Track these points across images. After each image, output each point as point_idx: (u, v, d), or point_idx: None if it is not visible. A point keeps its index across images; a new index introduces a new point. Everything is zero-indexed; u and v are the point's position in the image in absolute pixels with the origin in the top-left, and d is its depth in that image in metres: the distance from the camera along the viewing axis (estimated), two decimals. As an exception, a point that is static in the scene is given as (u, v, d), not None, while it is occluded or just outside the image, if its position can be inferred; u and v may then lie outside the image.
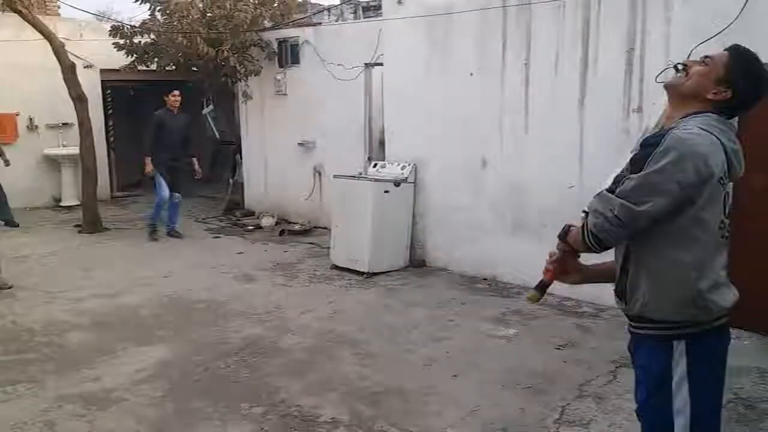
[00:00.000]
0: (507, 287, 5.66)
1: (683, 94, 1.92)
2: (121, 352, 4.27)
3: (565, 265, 2.06)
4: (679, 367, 1.81)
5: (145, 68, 9.23)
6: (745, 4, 4.17)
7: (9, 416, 3.37)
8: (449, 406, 3.49)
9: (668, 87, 1.98)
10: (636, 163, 1.78)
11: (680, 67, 1.98)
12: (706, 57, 1.93)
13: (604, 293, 4.88)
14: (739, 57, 1.90)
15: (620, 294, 1.93)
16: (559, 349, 4.28)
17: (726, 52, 1.92)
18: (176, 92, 7.93)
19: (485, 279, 5.90)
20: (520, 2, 5.42)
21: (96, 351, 4.29)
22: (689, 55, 4.37)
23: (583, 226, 1.87)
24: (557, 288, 5.54)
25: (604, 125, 5.02)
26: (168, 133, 7.77)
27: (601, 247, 1.85)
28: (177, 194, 7.93)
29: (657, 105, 4.63)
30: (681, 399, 1.81)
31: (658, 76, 4.56)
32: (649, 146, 1.77)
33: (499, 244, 5.82)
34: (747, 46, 1.93)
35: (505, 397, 3.59)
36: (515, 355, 4.20)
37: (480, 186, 5.94)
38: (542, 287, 2.11)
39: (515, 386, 3.72)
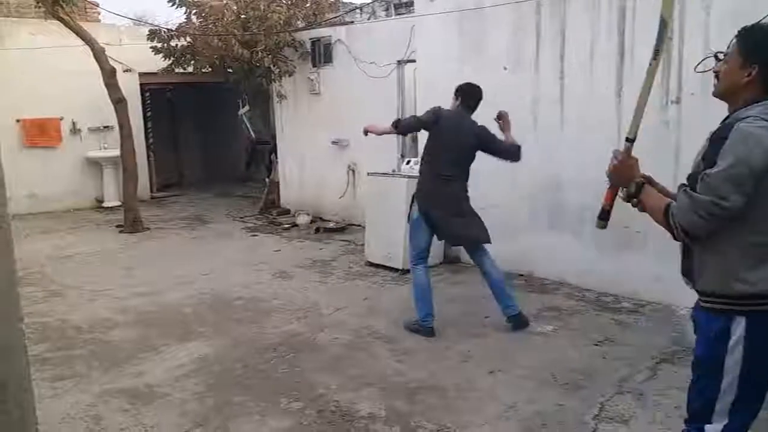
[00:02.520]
0: (544, 283, 5.60)
1: (724, 95, 2.06)
2: (163, 349, 4.38)
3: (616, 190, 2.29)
4: (737, 333, 1.93)
5: (182, 71, 9.43)
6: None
7: (57, 411, 3.49)
8: (486, 403, 3.47)
9: (715, 96, 2.14)
10: (708, 159, 1.93)
11: (720, 56, 2.02)
12: (723, 54, 2.07)
13: (643, 288, 4.83)
14: (746, 34, 2.00)
15: (686, 273, 2.10)
16: (597, 345, 4.22)
17: (734, 38, 2.03)
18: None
19: (522, 275, 5.84)
20: (554, -6, 5.35)
21: (139, 347, 4.41)
22: (730, 43, 4.27)
23: (667, 213, 1.99)
24: (595, 283, 5.49)
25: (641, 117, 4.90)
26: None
27: (688, 238, 1.98)
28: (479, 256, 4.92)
29: (696, 95, 4.53)
30: (733, 360, 1.94)
31: (697, 65, 4.45)
32: (718, 140, 1.91)
33: (536, 240, 5.76)
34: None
35: (542, 394, 3.56)
36: (553, 352, 4.16)
37: (515, 181, 5.88)
38: (605, 214, 2.39)
39: (553, 382, 3.69)
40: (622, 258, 5.07)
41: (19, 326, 0.91)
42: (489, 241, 4.66)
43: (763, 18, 4.01)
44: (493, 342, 4.36)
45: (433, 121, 4.61)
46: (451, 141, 4.58)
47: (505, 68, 5.82)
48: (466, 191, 4.76)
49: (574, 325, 4.62)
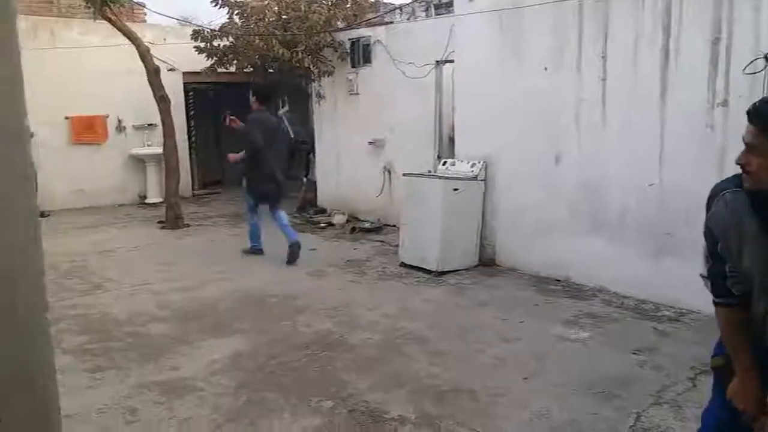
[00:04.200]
0: (581, 289, 5.49)
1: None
2: (198, 343, 4.45)
3: None
4: None
5: (224, 70, 9.58)
6: None
7: (95, 400, 3.58)
8: (518, 408, 3.42)
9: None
10: None
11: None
12: (747, 143, 1.69)
13: (685, 296, 4.68)
14: None
15: None
16: (635, 353, 4.11)
17: (757, 126, 1.65)
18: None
19: (558, 280, 5.74)
20: (597, -7, 5.24)
21: (175, 341, 4.50)
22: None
23: None
24: (634, 290, 5.36)
25: (686, 120, 4.77)
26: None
27: None
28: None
29: (743, 98, 4.37)
30: None
31: (746, 67, 4.31)
32: None
33: (574, 244, 5.65)
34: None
35: (576, 401, 3.49)
36: (588, 359, 4.07)
37: (554, 184, 5.78)
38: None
39: (588, 390, 3.61)
40: (663, 264, 4.93)
41: (44, 315, 0.93)
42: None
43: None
44: (528, 347, 4.29)
45: (260, 132, 6.51)
46: (271, 136, 6.66)
47: (545, 69, 5.73)
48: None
49: (612, 332, 4.52)
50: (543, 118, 5.79)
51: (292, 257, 6.61)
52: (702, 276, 1.97)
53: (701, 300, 4.81)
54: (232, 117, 6.96)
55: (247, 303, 5.39)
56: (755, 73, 4.29)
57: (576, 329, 4.58)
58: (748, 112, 1.68)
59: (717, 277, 1.91)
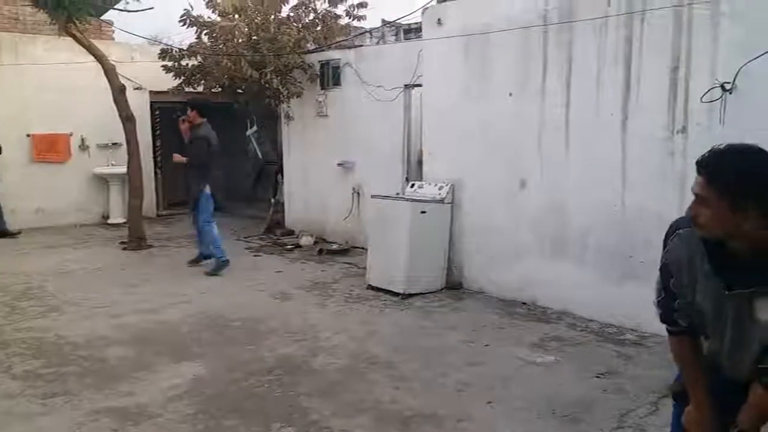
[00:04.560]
0: (547, 312, 5.51)
1: (726, 239, 1.67)
2: (157, 368, 4.32)
3: None
4: None
5: (192, 90, 9.49)
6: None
7: (46, 428, 3.44)
8: (482, 434, 3.39)
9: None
10: None
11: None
12: (695, 194, 1.67)
13: (647, 319, 4.73)
14: (719, 169, 1.61)
15: None
16: (599, 377, 4.13)
17: (704, 177, 1.63)
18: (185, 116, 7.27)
19: (524, 303, 5.76)
20: (561, 20, 5.36)
21: (133, 366, 4.36)
22: (736, 73, 4.24)
23: None
24: (598, 314, 5.42)
25: (647, 146, 4.87)
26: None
27: None
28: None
29: (702, 126, 4.49)
30: None
31: (703, 95, 4.43)
32: None
33: (539, 266, 5.69)
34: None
35: (541, 426, 3.47)
36: (553, 383, 4.07)
37: (519, 207, 5.83)
38: None
39: (552, 415, 3.60)
40: (625, 287, 4.99)
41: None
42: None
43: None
44: (492, 371, 4.27)
45: (207, 144, 7.06)
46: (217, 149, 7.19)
47: (510, 94, 5.81)
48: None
49: (576, 355, 4.53)
50: (508, 143, 5.86)
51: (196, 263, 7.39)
52: (654, 304, 2.00)
53: (662, 324, 4.88)
54: (183, 118, 7.33)
55: (209, 326, 5.27)
56: (712, 101, 4.41)
57: (541, 353, 4.58)
58: (698, 163, 1.66)
59: (666, 308, 1.94)
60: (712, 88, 4.40)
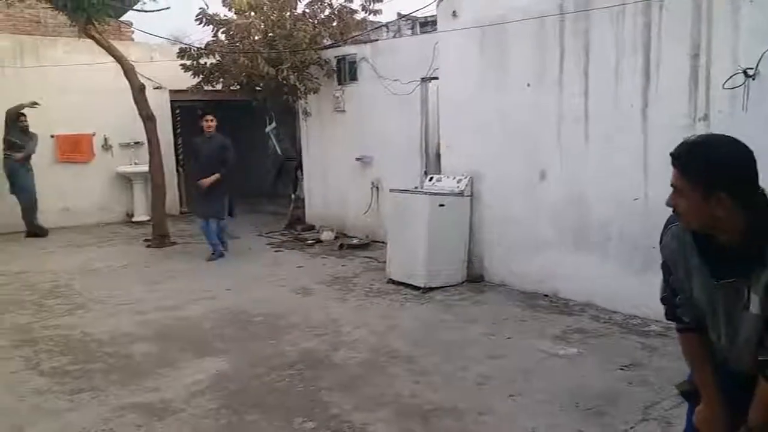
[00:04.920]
0: (569, 304, 5.47)
1: (706, 229, 1.69)
2: (181, 364, 4.38)
3: None
4: None
5: (211, 88, 9.57)
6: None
7: (74, 423, 3.51)
8: (503, 427, 3.37)
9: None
10: None
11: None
12: (672, 185, 1.71)
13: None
14: (690, 160, 1.65)
15: None
16: (623, 369, 4.08)
17: (678, 169, 1.67)
18: (209, 117, 7.70)
19: (546, 295, 5.72)
20: (577, 9, 5.28)
21: (157, 362, 4.42)
22: (759, 59, 4.15)
23: None
24: (622, 305, 5.34)
25: (669, 134, 4.77)
26: (202, 158, 7.56)
27: None
28: (219, 221, 7.74)
29: (724, 113, 4.40)
30: None
31: (725, 82, 4.34)
32: None
33: (561, 258, 5.64)
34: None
35: (563, 419, 3.44)
36: (576, 375, 4.03)
37: (539, 199, 5.78)
38: None
39: (575, 407, 3.57)
40: (649, 279, 4.89)
41: None
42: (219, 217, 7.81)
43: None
44: (514, 364, 4.24)
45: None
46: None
47: (528, 85, 5.76)
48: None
49: (600, 348, 4.48)
50: (527, 134, 5.81)
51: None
52: (660, 301, 1.99)
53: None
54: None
55: (232, 322, 5.32)
56: (735, 87, 4.32)
57: (563, 345, 4.55)
58: (671, 155, 1.69)
59: (669, 304, 1.93)
60: (734, 75, 4.30)
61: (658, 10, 4.76)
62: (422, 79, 7.43)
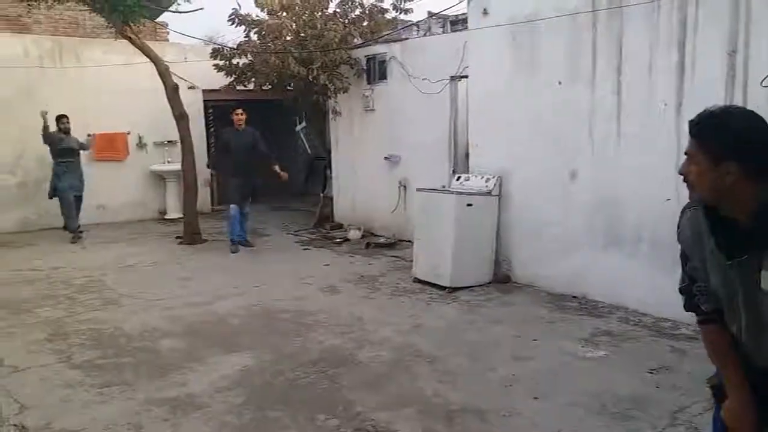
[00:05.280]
0: (598, 306, 5.37)
1: (715, 199, 1.68)
2: (208, 359, 4.44)
3: None
4: None
5: (243, 88, 9.68)
6: None
7: (103, 416, 3.58)
8: (528, 429, 3.33)
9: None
10: None
11: None
12: (686, 152, 1.71)
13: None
14: (705, 126, 1.65)
15: None
16: (651, 373, 3.99)
17: (692, 136, 1.68)
18: (239, 110, 8.19)
19: (575, 297, 5.63)
20: (610, 5, 5.18)
21: (185, 357, 4.49)
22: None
23: None
24: (652, 308, 5.22)
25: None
26: (234, 150, 8.06)
27: None
28: (246, 208, 8.31)
29: (762, 110, 4.25)
30: None
31: (764, 80, 4.21)
32: None
33: (590, 260, 5.54)
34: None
35: (589, 423, 3.38)
36: (603, 378, 3.96)
37: (569, 199, 5.69)
38: None
39: (601, 411, 3.50)
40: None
41: None
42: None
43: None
44: (540, 366, 4.19)
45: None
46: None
47: (559, 83, 5.67)
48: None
49: (628, 350, 4.40)
50: (557, 133, 5.72)
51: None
52: (678, 291, 1.94)
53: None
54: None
55: (259, 319, 5.38)
56: (774, 85, 4.18)
57: (591, 347, 4.47)
58: (689, 123, 1.70)
59: (688, 294, 1.88)
60: (774, 71, 4.17)
61: (694, 7, 4.64)
62: (451, 77, 7.38)
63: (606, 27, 5.26)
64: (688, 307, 1.92)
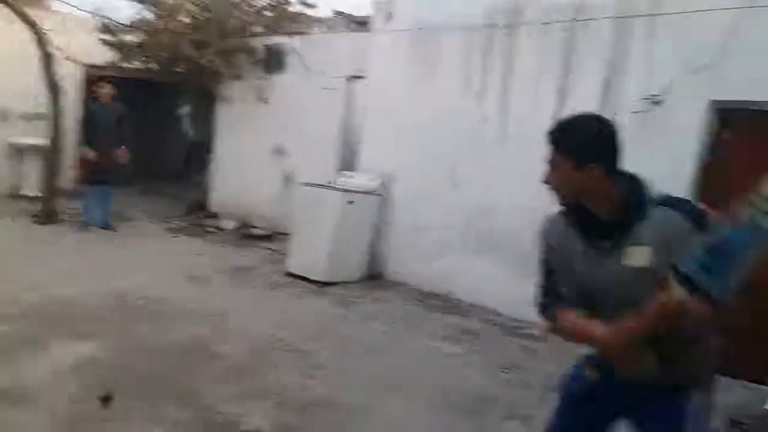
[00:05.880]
0: (461, 305, 5.58)
1: (576, 197, 1.84)
2: (49, 346, 4.08)
3: None
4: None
5: (129, 65, 9.11)
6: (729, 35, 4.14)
7: None
8: (377, 423, 3.37)
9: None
10: None
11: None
12: (547, 160, 1.85)
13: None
14: (564, 135, 1.82)
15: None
16: (503, 370, 4.19)
17: (553, 145, 1.82)
18: (103, 83, 7.70)
19: (442, 296, 5.81)
20: (506, 23, 5.40)
21: (22, 343, 4.10)
22: (668, 85, 4.37)
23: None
24: (509, 308, 5.48)
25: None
26: (98, 126, 7.60)
27: None
28: (109, 188, 7.83)
29: (630, 135, 4.59)
30: None
31: (634, 107, 4.54)
32: None
33: (462, 262, 5.75)
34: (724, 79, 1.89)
35: (438, 417, 3.48)
36: (458, 374, 4.10)
37: (448, 204, 5.87)
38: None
39: (451, 405, 3.62)
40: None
41: None
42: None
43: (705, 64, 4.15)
44: (402, 361, 4.27)
45: None
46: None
47: (452, 94, 5.82)
48: None
49: (484, 348, 4.59)
50: (446, 142, 5.90)
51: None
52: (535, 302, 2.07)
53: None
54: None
55: (115, 305, 5.04)
56: (642, 112, 4.52)
57: (450, 344, 4.62)
58: (547, 134, 1.85)
59: (546, 304, 2.02)
60: (643, 99, 4.50)
61: (582, 32, 4.92)
62: (349, 76, 7.37)
63: (500, 44, 5.48)
64: (548, 316, 2.03)
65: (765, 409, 3.43)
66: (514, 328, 5.03)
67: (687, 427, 1.82)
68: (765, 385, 3.95)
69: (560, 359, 4.33)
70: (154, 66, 8.94)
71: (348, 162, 7.54)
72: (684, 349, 1.78)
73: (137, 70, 9.30)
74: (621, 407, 1.96)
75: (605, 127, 1.81)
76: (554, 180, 1.83)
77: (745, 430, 3.35)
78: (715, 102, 4.28)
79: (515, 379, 4.05)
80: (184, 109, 10.12)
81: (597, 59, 4.85)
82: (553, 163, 1.82)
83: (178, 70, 8.95)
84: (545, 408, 3.54)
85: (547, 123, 5.26)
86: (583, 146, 1.78)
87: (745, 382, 3.96)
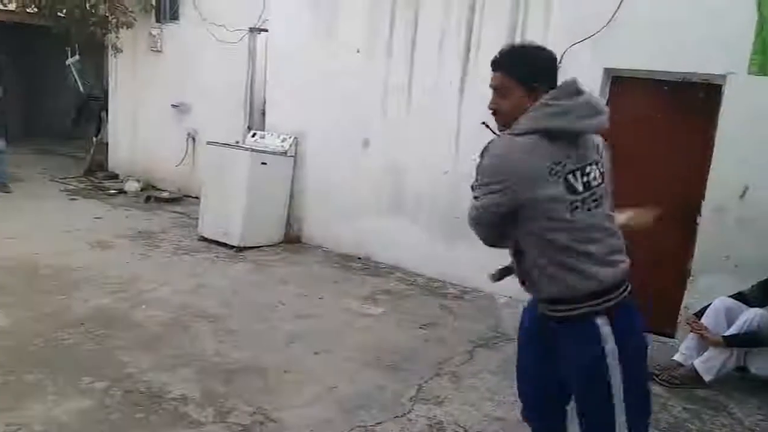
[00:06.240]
0: (380, 266, 5.68)
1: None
2: (-58, 320, 3.77)
3: None
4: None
5: (2, 7, 8.23)
6: (618, 7, 4.37)
7: None
8: (307, 384, 3.41)
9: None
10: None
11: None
12: (494, 87, 1.97)
13: (469, 275, 5.07)
14: (512, 59, 1.94)
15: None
16: (422, 328, 4.35)
17: (502, 72, 1.93)
18: None
19: (360, 258, 5.88)
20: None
21: None
22: (563, 53, 4.57)
23: None
24: (426, 269, 5.66)
25: (480, 113, 5.11)
26: None
27: None
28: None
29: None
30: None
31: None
32: None
33: (376, 224, 5.81)
34: (615, 48, 2.05)
35: (365, 375, 3.58)
36: (380, 334, 4.21)
37: (360, 164, 5.88)
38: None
39: (376, 364, 3.72)
40: (452, 245, 5.28)
41: None
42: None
43: (597, 32, 4.38)
44: (323, 323, 4.31)
45: None
46: None
47: (357, 51, 5.77)
48: None
49: (403, 308, 4.73)
50: (354, 100, 5.84)
51: None
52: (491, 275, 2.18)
53: (482, 280, 5.25)
54: None
55: (15, 273, 4.71)
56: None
57: (370, 305, 4.72)
58: (493, 62, 1.95)
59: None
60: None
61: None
62: (251, 29, 7.10)
63: (405, 2, 5.46)
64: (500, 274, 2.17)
65: (673, 360, 3.80)
66: (431, 288, 5.21)
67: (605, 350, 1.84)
68: (670, 337, 4.35)
69: (476, 315, 4.60)
70: (31, 9, 8.13)
71: (257, 120, 7.35)
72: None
73: (11, 12, 8.44)
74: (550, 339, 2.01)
75: (548, 52, 1.96)
76: (504, 105, 1.92)
77: (675, 382, 3.68)
78: (607, 69, 4.55)
79: (434, 336, 4.22)
80: (71, 59, 9.29)
81: (500, 17, 4.96)
82: (501, 89, 1.92)
83: (59, 15, 8.21)
84: (471, 364, 3.78)
85: (451, 82, 5.41)
86: (533, 71, 1.90)
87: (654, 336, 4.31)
